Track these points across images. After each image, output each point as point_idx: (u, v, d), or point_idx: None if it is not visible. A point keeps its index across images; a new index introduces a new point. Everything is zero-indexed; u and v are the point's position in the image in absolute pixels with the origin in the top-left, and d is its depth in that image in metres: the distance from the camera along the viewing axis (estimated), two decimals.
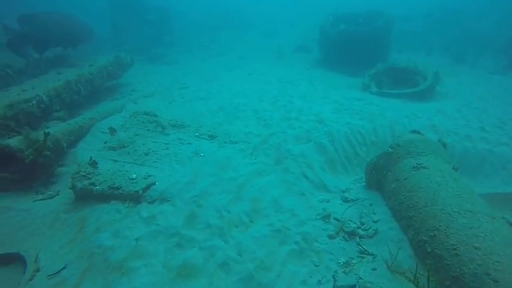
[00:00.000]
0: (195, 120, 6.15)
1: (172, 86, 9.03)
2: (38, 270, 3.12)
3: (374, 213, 3.82)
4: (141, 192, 3.86)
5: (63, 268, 3.12)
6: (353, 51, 10.70)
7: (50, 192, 4.36)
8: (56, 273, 3.07)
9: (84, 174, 4.03)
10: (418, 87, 7.97)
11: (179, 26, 20.17)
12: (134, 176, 4.06)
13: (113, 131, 5.11)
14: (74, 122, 5.57)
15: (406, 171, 3.77)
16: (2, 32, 8.09)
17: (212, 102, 7.22)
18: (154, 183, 4.02)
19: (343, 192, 4.35)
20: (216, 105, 6.91)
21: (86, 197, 3.94)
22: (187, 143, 5.04)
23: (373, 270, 3.04)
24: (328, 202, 4.16)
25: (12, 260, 3.29)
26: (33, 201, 4.15)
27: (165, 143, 4.93)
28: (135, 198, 3.85)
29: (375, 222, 3.68)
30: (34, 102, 5.69)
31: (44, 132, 4.57)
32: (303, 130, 5.66)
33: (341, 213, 3.87)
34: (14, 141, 4.30)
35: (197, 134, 5.32)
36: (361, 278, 2.94)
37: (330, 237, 3.50)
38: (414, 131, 4.38)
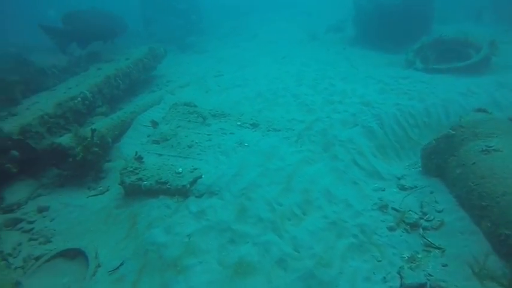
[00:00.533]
0: (234, 108, 6.02)
1: (207, 74, 8.93)
2: (99, 265, 3.18)
3: (436, 202, 3.51)
4: (188, 186, 3.81)
5: (121, 264, 3.15)
6: (392, 25, 9.95)
7: (101, 188, 4.44)
8: (115, 269, 3.11)
9: (131, 169, 4.04)
10: (471, 60, 7.27)
11: (207, 12, 20.01)
12: (180, 169, 4.01)
13: (154, 124, 5.10)
14: (117, 116, 5.63)
15: (473, 155, 3.41)
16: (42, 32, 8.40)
17: (249, 89, 7.03)
18: (200, 177, 3.96)
19: (399, 179, 4.06)
20: (253, 92, 6.73)
21: (134, 192, 3.95)
22: (230, 133, 4.92)
23: (443, 266, 2.78)
24: (383, 191, 3.89)
25: (77, 254, 3.38)
26: (87, 197, 4.25)
27: (208, 134, 4.85)
28: (183, 193, 3.80)
29: (439, 212, 3.38)
30: (79, 99, 5.80)
31: (91, 129, 4.63)
32: (349, 114, 5.35)
33: (399, 202, 3.61)
34: (65, 140, 4.39)
35: (239, 123, 5.19)
36: (430, 275, 2.70)
37: (390, 229, 3.26)
38: (480, 110, 3.95)
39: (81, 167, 4.56)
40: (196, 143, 4.62)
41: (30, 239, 3.66)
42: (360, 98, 5.94)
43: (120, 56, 8.52)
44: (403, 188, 3.87)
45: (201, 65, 10.41)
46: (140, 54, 8.23)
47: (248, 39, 14.45)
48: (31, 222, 3.88)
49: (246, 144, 4.65)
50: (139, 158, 4.18)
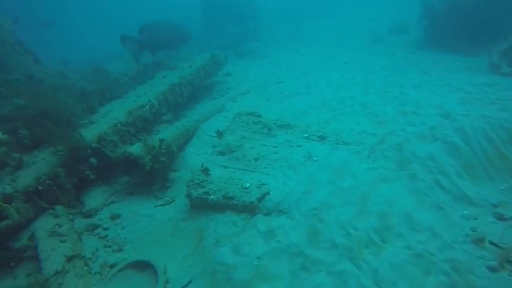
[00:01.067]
0: (299, 118, 5.80)
1: (267, 81, 8.84)
2: (167, 281, 3.17)
3: None
4: (256, 203, 3.68)
5: (189, 282, 3.11)
6: (472, 23, 9.00)
7: (167, 198, 4.50)
8: (183, 287, 3.07)
9: (198, 182, 4.02)
10: None
11: (264, 16, 20.05)
12: (247, 184, 3.89)
13: (219, 134, 5.08)
14: (181, 125, 5.73)
15: None
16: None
17: (313, 97, 6.77)
18: (268, 193, 3.80)
19: (495, 206, 3.52)
20: (318, 101, 6.45)
21: (201, 205, 3.92)
22: (297, 146, 4.71)
23: None
24: (476, 219, 3.39)
25: (146, 267, 3.42)
26: (155, 207, 4.33)
27: (274, 146, 4.69)
28: (250, 209, 3.68)
29: None
30: (147, 107, 6.02)
31: (159, 139, 4.73)
32: (427, 127, 4.85)
33: (499, 235, 3.10)
34: (136, 149, 4.54)
35: (306, 135, 4.95)
36: None
37: (491, 269, 2.79)
38: None
39: (149, 176, 4.67)
40: (263, 155, 4.48)
41: (105, 246, 3.80)
42: (438, 108, 5.37)
43: (183, 63, 8.78)
44: (501, 218, 3.34)
45: (260, 70, 10.37)
46: (202, 61, 8.38)
47: (307, 44, 14.19)
48: (106, 229, 4.04)
49: (315, 158, 4.41)
50: (205, 171, 4.14)
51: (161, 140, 4.73)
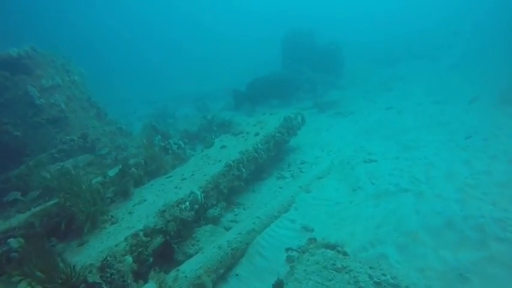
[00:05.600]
0: (405, 251, 3.58)
1: (353, 155, 6.73)
2: None
3: None
4: None
5: None
6: None
7: None
8: None
9: None
10: None
11: (354, 56, 18.07)
12: None
13: (279, 285, 3.15)
14: (227, 243, 3.94)
15: None
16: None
17: (426, 202, 4.44)
18: None
19: None
20: (436, 214, 4.11)
21: None
22: None
23: None
24: None
25: None
26: None
27: None
28: None
29: None
30: (187, 204, 4.45)
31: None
32: None
33: None
34: None
35: None
36: None
37: None
38: None
39: None
40: None
41: None
42: None
43: (251, 126, 7.27)
44: None
45: (345, 135, 8.32)
46: (273, 127, 6.72)
47: (403, 95, 11.67)
48: None
49: None
50: None
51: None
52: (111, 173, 5.36)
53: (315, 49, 15.50)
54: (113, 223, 4.18)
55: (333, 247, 3.45)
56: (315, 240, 3.58)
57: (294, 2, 45.98)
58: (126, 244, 3.66)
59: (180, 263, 3.75)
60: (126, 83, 29.00)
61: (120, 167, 5.30)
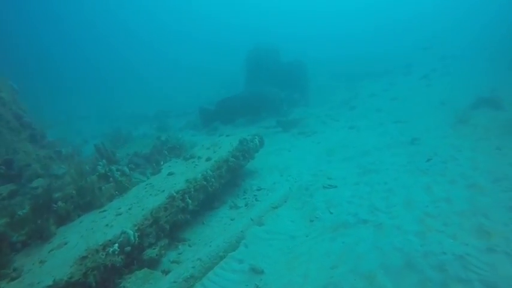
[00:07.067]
0: None
1: (313, 180, 6.34)
2: None
3: None
4: None
5: None
6: None
7: None
8: None
9: None
10: None
11: (317, 74, 18.14)
12: None
13: None
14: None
15: None
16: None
17: (385, 236, 4.05)
18: None
19: None
20: (396, 251, 3.71)
21: None
22: None
23: None
24: None
25: None
26: None
27: None
28: None
29: None
30: (116, 247, 3.78)
31: None
32: None
33: None
34: None
35: None
36: None
37: None
38: None
39: None
40: None
41: None
42: None
43: (205, 149, 6.73)
44: None
45: (305, 157, 7.95)
46: (226, 151, 6.20)
47: (366, 115, 11.61)
48: None
49: None
50: None
51: None
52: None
53: (280, 66, 15.34)
54: (12, 279, 3.43)
55: None
56: None
57: (255, 16, 47.18)
58: None
59: None
60: (88, 99, 27.59)
61: (33, 202, 4.54)
